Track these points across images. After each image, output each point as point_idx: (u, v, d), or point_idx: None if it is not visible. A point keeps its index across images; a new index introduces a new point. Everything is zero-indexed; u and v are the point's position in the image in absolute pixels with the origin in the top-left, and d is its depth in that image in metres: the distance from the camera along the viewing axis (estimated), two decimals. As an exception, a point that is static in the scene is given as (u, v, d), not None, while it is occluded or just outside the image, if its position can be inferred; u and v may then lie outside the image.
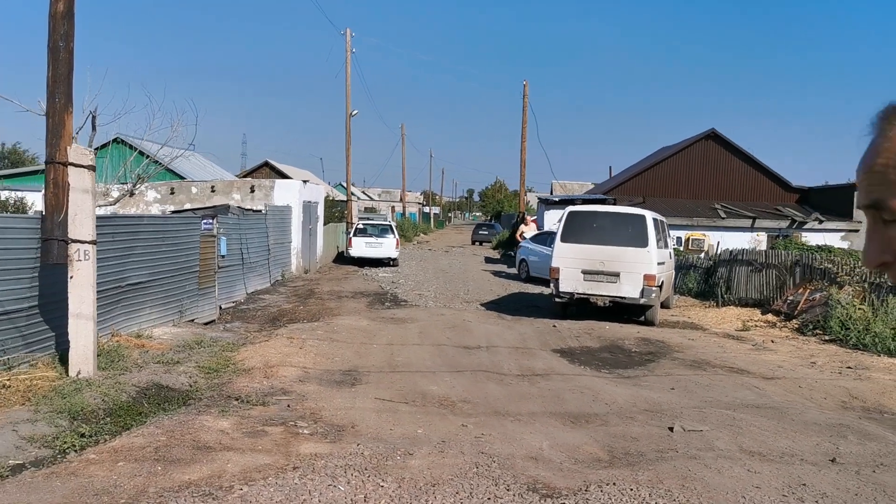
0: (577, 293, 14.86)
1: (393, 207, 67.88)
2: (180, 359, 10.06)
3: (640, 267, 14.48)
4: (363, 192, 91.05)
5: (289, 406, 7.66)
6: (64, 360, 9.17)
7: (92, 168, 8.85)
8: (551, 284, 15.35)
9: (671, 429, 6.90)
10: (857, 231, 29.52)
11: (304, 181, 25.66)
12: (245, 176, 52.21)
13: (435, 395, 8.41)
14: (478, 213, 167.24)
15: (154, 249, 12.72)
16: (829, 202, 31.90)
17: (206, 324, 14.49)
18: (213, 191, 24.69)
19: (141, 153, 23.23)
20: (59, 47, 8.70)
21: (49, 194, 8.66)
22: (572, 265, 14.87)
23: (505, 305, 17.62)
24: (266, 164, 60.29)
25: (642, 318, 15.21)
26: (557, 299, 15.20)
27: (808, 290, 15.30)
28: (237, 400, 7.84)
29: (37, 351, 9.26)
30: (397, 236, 29.66)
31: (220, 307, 16.06)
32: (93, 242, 8.82)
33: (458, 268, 29.71)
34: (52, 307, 9.45)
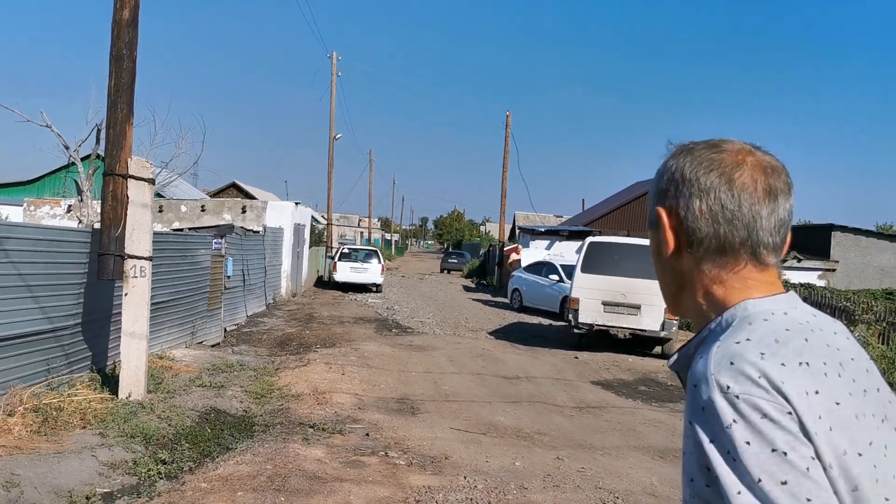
0: (597, 325, 14.80)
1: (362, 233, 67.45)
2: (221, 382, 9.68)
3: (661, 300, 14.43)
4: (322, 217, 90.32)
5: (367, 435, 7.37)
6: (106, 380, 8.75)
7: (152, 181, 8.53)
8: (569, 315, 15.27)
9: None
10: (833, 270, 30.18)
11: (296, 203, 25.28)
12: (213, 196, 51.37)
13: (505, 425, 8.19)
14: (431, 242, 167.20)
15: (175, 268, 12.30)
16: (804, 241, 32.58)
17: (212, 346, 14.05)
18: (203, 210, 24.14)
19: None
20: (122, 56, 8.37)
21: (107, 207, 8.27)
22: (592, 296, 14.82)
23: (513, 335, 17.47)
24: (233, 184, 59.41)
25: (660, 351, 15.21)
26: (576, 330, 15.11)
27: (820, 328, 15.47)
28: (312, 427, 7.52)
29: (77, 370, 8.81)
30: (382, 262, 29.37)
31: (226, 329, 15.62)
32: (149, 259, 8.47)
33: (442, 295, 29.50)
34: (94, 325, 9.04)
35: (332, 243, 35.80)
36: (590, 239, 15.59)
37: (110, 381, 8.81)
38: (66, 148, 15.83)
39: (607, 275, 14.79)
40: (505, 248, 37.11)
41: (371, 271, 28.64)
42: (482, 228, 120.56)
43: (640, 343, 15.53)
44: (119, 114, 8.34)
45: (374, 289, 28.90)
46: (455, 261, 56.39)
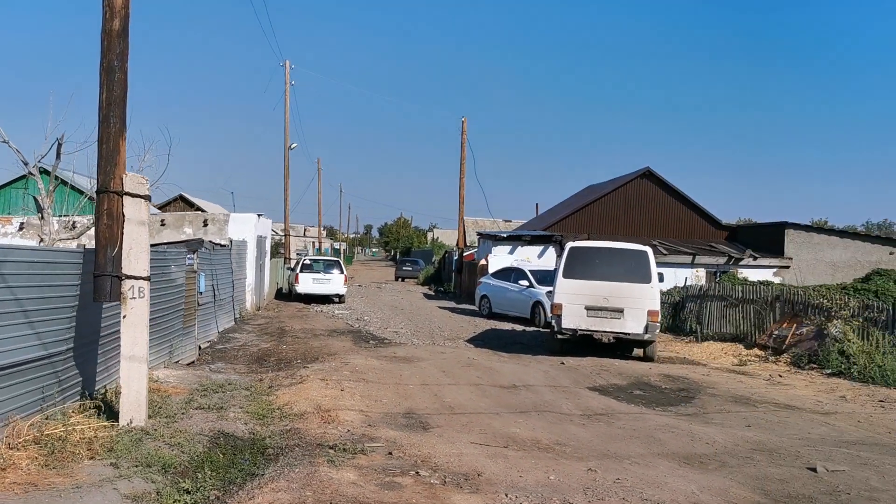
0: (581, 329, 14.82)
1: (314, 243, 66.67)
2: (218, 404, 9.35)
3: (644, 303, 14.59)
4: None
5: (391, 454, 7.16)
6: (100, 406, 8.36)
7: (148, 198, 8.18)
8: (552, 321, 15.25)
9: (813, 469, 6.83)
10: (787, 267, 30.94)
11: (259, 214, 24.79)
12: (160, 208, 50.22)
13: (523, 438, 8.08)
14: (376, 249, 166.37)
15: (154, 286, 11.84)
16: (758, 239, 33.37)
17: (188, 364, 13.64)
18: (162, 224, 23.49)
19: (73, 188, 22.01)
20: (113, 68, 8.02)
21: (102, 226, 7.90)
22: (575, 301, 14.83)
23: (491, 342, 17.39)
24: (180, 197, 58.16)
25: (641, 354, 15.30)
26: (559, 336, 15.09)
27: (795, 325, 15.79)
28: (332, 449, 7.27)
29: (69, 397, 8.41)
30: (345, 272, 29.03)
31: (199, 347, 15.18)
32: (147, 279, 8.12)
33: (407, 304, 29.29)
34: (84, 349, 8.65)
35: (290, 254, 35.25)
36: (570, 244, 15.61)
37: (104, 407, 8.42)
38: (25, 164, 15.22)
39: (589, 279, 14.83)
40: (465, 254, 37.09)
41: (334, 282, 28.29)
42: (429, 235, 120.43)
43: (619, 346, 15.61)
44: (112, 128, 7.98)
45: (337, 300, 28.55)
46: (409, 268, 56.24)
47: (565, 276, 15.04)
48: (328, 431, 8.03)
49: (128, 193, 7.98)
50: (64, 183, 18.32)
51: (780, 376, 13.42)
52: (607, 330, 14.74)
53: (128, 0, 8.17)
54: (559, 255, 15.64)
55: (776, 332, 16.23)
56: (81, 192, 19.99)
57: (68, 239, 16.69)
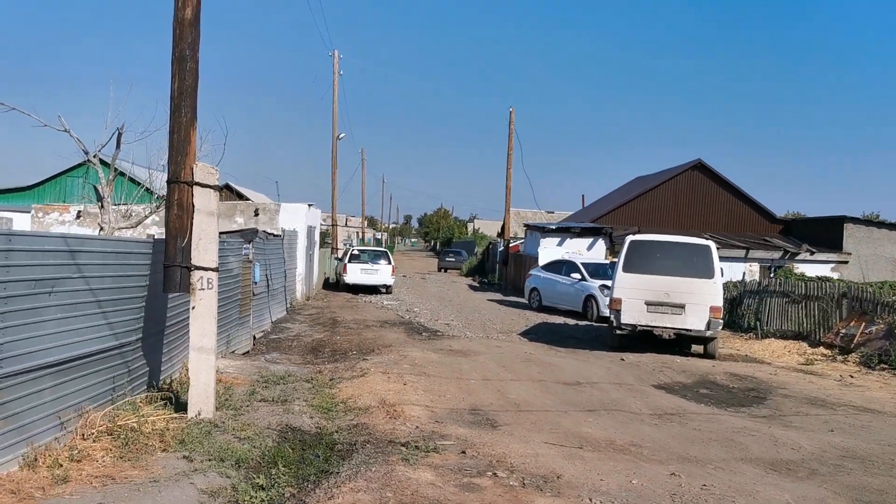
0: (640, 325, 14.49)
1: (357, 233, 66.87)
2: (282, 396, 9.27)
3: (707, 298, 14.21)
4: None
5: (464, 453, 6.99)
6: (166, 397, 8.33)
7: (217, 188, 8.09)
8: (611, 316, 14.95)
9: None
10: (846, 262, 30.10)
11: (310, 205, 24.81)
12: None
13: (596, 438, 7.84)
14: (415, 240, 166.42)
15: (214, 275, 11.82)
16: (813, 233, 32.52)
17: (243, 354, 13.65)
18: (214, 213, 23.57)
19: (130, 179, 22.16)
20: (185, 57, 7.93)
21: (172, 216, 7.83)
22: (635, 296, 14.51)
23: (544, 336, 17.14)
24: (227, 186, 58.65)
25: (702, 351, 14.93)
26: (618, 331, 14.78)
27: (863, 323, 15.26)
28: (404, 446, 7.12)
29: (137, 388, 8.39)
30: (392, 263, 28.95)
31: (254, 337, 15.20)
32: (216, 269, 8.04)
33: (454, 296, 29.14)
34: (151, 339, 8.63)
35: (337, 244, 35.32)
36: (630, 237, 15.26)
37: (172, 398, 8.40)
38: (86, 153, 15.33)
39: (650, 274, 14.49)
40: (510, 246, 36.81)
41: (381, 273, 28.23)
42: (470, 226, 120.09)
43: (678, 342, 15.26)
44: (183, 118, 7.91)
45: (385, 290, 28.50)
46: (453, 259, 56.03)
47: (625, 269, 14.72)
48: (397, 427, 7.88)
49: (197, 184, 7.91)
50: (121, 174, 18.45)
51: (852, 377, 12.96)
52: (668, 326, 14.39)
53: (199, -12, 8.08)
54: (612, 249, 15.32)
55: (843, 331, 15.70)
56: (137, 183, 20.12)
57: (126, 228, 16.81)
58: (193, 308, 7.92)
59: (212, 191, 8.01)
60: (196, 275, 7.89)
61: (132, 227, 17.07)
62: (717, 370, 12.87)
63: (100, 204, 15.67)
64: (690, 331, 14.29)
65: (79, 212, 22.61)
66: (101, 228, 15.89)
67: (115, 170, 15.89)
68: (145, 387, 8.67)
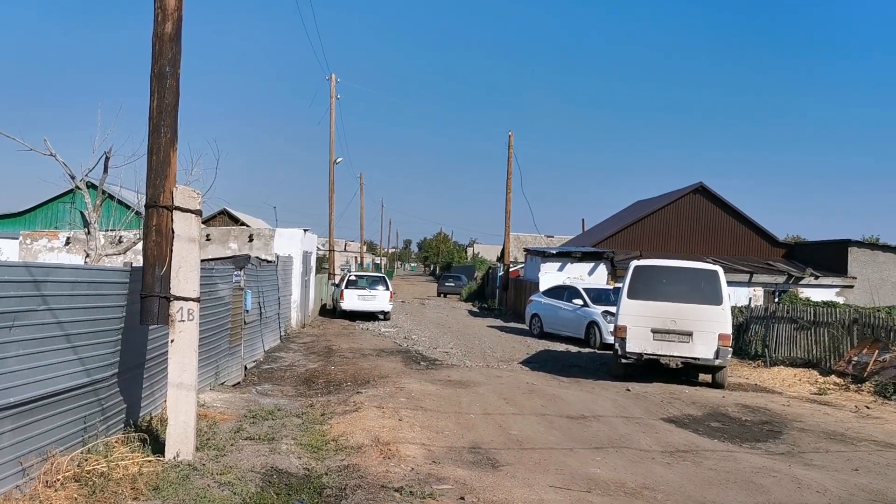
0: (647, 353, 13.94)
1: (356, 258, 66.41)
2: (269, 433, 8.71)
3: (715, 326, 13.68)
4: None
5: (463, 499, 6.43)
6: (146, 437, 7.77)
7: (199, 213, 7.60)
8: (616, 344, 14.40)
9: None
10: (851, 287, 29.58)
11: (305, 230, 24.33)
12: (204, 222, 50.28)
13: (605, 480, 7.28)
14: (415, 264, 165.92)
15: (202, 304, 11.27)
16: (817, 257, 32.04)
17: (234, 385, 13.08)
18: (208, 239, 23.13)
19: (120, 202, 21.69)
20: (165, 74, 7.48)
21: (150, 243, 7.33)
22: (640, 323, 13.98)
23: (547, 365, 16.58)
24: (224, 211, 58.37)
25: (710, 380, 14.37)
26: (623, 360, 14.23)
27: (876, 351, 14.72)
28: (398, 492, 6.56)
29: (112, 427, 7.84)
30: (390, 289, 28.41)
31: (246, 367, 14.62)
32: (197, 300, 7.52)
33: (453, 322, 28.56)
34: (128, 374, 8.09)
35: (334, 270, 34.80)
36: (635, 263, 14.75)
37: (149, 437, 7.84)
38: (72, 178, 14.88)
39: (656, 300, 13.97)
40: (510, 271, 36.31)
41: (379, 299, 27.68)
42: (469, 250, 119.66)
43: (685, 371, 14.70)
44: (162, 138, 7.44)
45: (382, 317, 27.95)
46: (452, 284, 55.47)
47: (630, 296, 14.19)
48: (391, 469, 7.32)
49: (178, 208, 7.42)
50: (111, 197, 17.97)
51: (868, 408, 12.39)
52: (675, 354, 13.84)
53: (181, 2, 7.65)
54: (614, 274, 14.81)
55: (855, 359, 15.15)
56: (128, 207, 19.65)
57: (114, 254, 16.30)
58: (172, 341, 7.40)
59: (193, 216, 7.52)
60: (175, 305, 7.38)
61: (121, 254, 16.56)
62: (728, 401, 12.31)
63: (86, 230, 15.18)
64: (699, 359, 13.74)
65: (68, 238, 22.12)
66: (88, 255, 15.38)
67: (104, 194, 15.42)
68: (122, 425, 8.12)
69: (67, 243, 22.20)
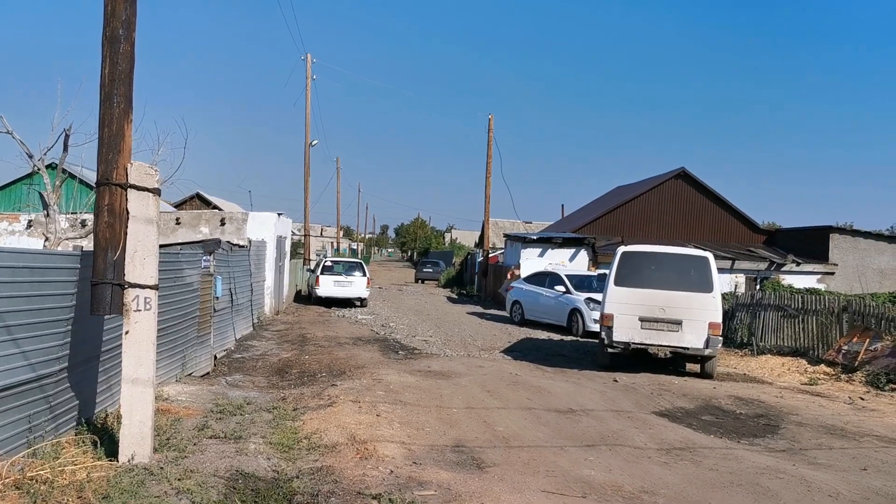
0: (634, 343, 13.43)
1: (332, 243, 65.52)
2: (236, 431, 8.07)
3: (706, 314, 13.19)
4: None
5: (447, 507, 5.84)
6: (99, 434, 7.11)
7: (157, 192, 6.89)
8: (602, 332, 13.87)
9: None
10: (832, 273, 29.35)
11: (279, 214, 23.55)
12: (176, 206, 49.26)
13: (601, 483, 6.72)
14: (392, 250, 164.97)
15: (166, 291, 10.54)
16: (798, 244, 31.79)
17: (202, 376, 12.42)
18: (177, 223, 22.30)
19: (82, 182, 20.78)
20: (118, 37, 6.75)
21: (102, 224, 6.63)
22: (628, 311, 13.46)
23: (530, 354, 16.03)
24: (197, 195, 57.23)
25: (698, 370, 13.91)
26: (610, 349, 13.71)
27: (867, 339, 14.32)
28: (375, 499, 5.95)
29: (63, 426, 7.15)
30: (367, 275, 27.73)
31: (216, 357, 13.94)
32: (155, 287, 6.83)
33: (432, 309, 27.96)
34: (80, 368, 7.40)
35: (309, 255, 34.03)
36: (622, 248, 14.20)
37: (103, 436, 7.18)
38: (30, 156, 14.06)
39: (644, 287, 13.45)
40: (490, 256, 35.75)
41: (356, 285, 27.01)
42: (447, 236, 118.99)
43: (673, 361, 14.22)
44: (115, 108, 6.72)
45: (359, 303, 27.31)
46: (430, 270, 54.80)
47: (617, 283, 13.66)
48: (367, 473, 6.70)
49: (133, 186, 6.72)
50: (72, 177, 17.10)
51: (862, 399, 11.98)
52: (664, 344, 13.34)
53: (134, -44, 6.91)
54: (595, 260, 14.27)
55: (845, 348, 14.75)
56: (91, 188, 18.80)
57: (76, 238, 15.50)
58: (127, 333, 6.72)
59: (151, 195, 6.81)
60: (130, 293, 6.69)
61: (83, 238, 15.72)
62: (720, 393, 11.83)
63: (45, 212, 14.36)
64: (688, 349, 13.25)
65: (29, 221, 21.18)
66: (48, 239, 14.56)
67: (64, 174, 14.59)
68: (74, 424, 7.44)
69: (29, 226, 21.26)
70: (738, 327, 18.54)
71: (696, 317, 13.17)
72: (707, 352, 13.19)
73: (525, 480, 6.66)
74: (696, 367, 14.12)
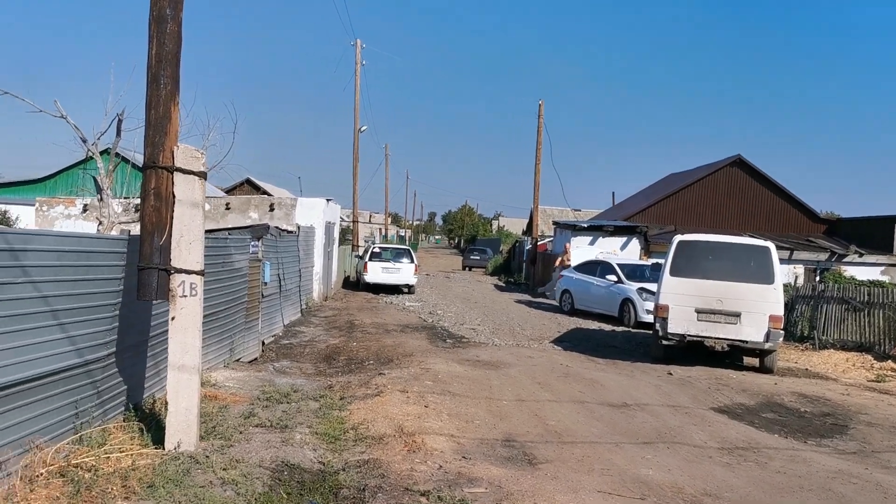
0: (690, 335, 12.97)
1: (380, 230, 65.63)
2: (282, 419, 7.93)
3: (765, 306, 12.67)
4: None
5: (499, 506, 5.58)
6: (145, 420, 7.03)
7: (203, 175, 6.74)
8: (656, 324, 13.44)
9: None
10: (897, 266, 28.26)
11: (328, 200, 23.50)
12: (227, 192, 49.77)
13: (660, 483, 6.39)
14: (439, 237, 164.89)
15: (214, 276, 10.45)
16: (861, 234, 30.67)
17: (250, 362, 12.36)
18: (227, 208, 22.39)
19: (134, 167, 20.96)
20: (165, 17, 6.59)
21: (148, 208, 6.50)
22: (684, 303, 13.01)
23: (580, 344, 15.67)
24: (247, 181, 57.77)
25: (757, 364, 13.40)
26: (664, 341, 13.28)
27: (939, 336, 13.62)
28: (423, 496, 5.73)
29: (110, 411, 7.08)
30: (415, 262, 27.56)
31: (263, 342, 13.89)
32: (200, 273, 6.69)
33: (479, 297, 27.69)
34: (128, 353, 7.32)
35: (357, 241, 34.02)
36: (678, 237, 13.73)
37: (150, 422, 7.09)
38: (84, 141, 14.13)
39: (700, 278, 12.98)
40: (538, 244, 35.33)
41: (404, 272, 26.88)
42: (495, 223, 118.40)
43: (729, 354, 13.72)
44: (162, 90, 6.57)
45: (407, 290, 27.17)
46: (478, 257, 54.46)
47: (672, 273, 13.21)
48: (416, 467, 6.48)
49: (179, 169, 6.57)
50: (125, 161, 17.20)
51: (936, 398, 11.38)
52: (721, 336, 12.86)
53: (182, -66, 6.73)
54: (647, 249, 13.81)
55: (917, 343, 14.06)
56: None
57: (128, 222, 15.61)
58: (173, 319, 6.59)
59: (197, 178, 6.66)
60: (176, 279, 6.56)
61: (135, 222, 15.80)
62: (782, 389, 11.35)
63: (99, 196, 14.47)
64: (747, 342, 12.76)
65: (85, 205, 21.47)
66: (101, 223, 14.68)
67: (117, 157, 14.66)
68: (122, 408, 7.38)
69: (84, 210, 21.56)
70: (797, 320, 17.88)
71: (755, 309, 12.67)
72: (767, 346, 12.68)
73: (579, 479, 6.37)
74: (755, 361, 13.63)
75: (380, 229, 66.01)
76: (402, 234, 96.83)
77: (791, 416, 9.62)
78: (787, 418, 9.51)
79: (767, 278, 12.78)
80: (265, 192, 53.54)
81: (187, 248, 6.60)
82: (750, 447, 7.83)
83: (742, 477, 6.72)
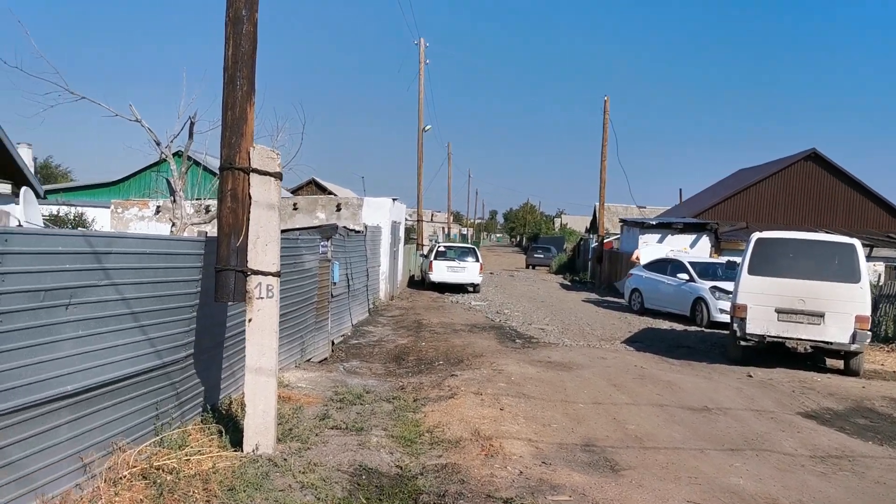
0: (770, 336, 12.50)
1: (443, 229, 65.69)
2: (357, 422, 7.86)
3: (851, 306, 12.11)
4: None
5: (585, 515, 5.38)
6: (222, 422, 7.04)
7: (279, 177, 6.71)
8: (734, 324, 12.99)
9: None
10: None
11: (394, 199, 23.53)
12: (292, 192, 50.44)
13: (752, 494, 6.09)
14: (500, 235, 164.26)
15: (286, 277, 10.45)
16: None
17: (320, 362, 12.37)
18: (295, 208, 22.62)
19: (206, 169, 21.29)
20: (241, 18, 6.58)
21: (225, 209, 6.49)
22: (763, 302, 12.54)
23: (653, 345, 15.28)
24: (313, 181, 58.44)
25: (841, 367, 12.84)
26: (742, 342, 12.82)
27: None
28: (506, 503, 5.57)
29: (188, 413, 7.11)
30: (480, 260, 27.40)
31: (333, 342, 13.92)
32: (276, 274, 6.66)
33: (546, 296, 27.38)
34: (205, 355, 7.34)
35: (422, 241, 34.03)
36: (756, 234, 13.24)
37: (227, 424, 7.10)
38: (158, 144, 14.38)
39: (781, 277, 12.49)
40: (605, 242, 34.80)
41: (469, 271, 26.74)
42: (557, 221, 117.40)
43: (811, 356, 13.17)
44: (238, 91, 6.56)
45: (472, 289, 27.03)
46: (541, 256, 53.92)
47: (751, 272, 12.74)
48: (496, 473, 6.32)
49: (255, 170, 6.55)
50: (196, 164, 17.50)
51: None
52: (804, 337, 12.35)
53: (257, -64, 6.71)
54: (718, 247, 13.34)
55: None
56: (214, 174, 19.23)
57: (200, 223, 15.84)
58: (250, 321, 6.58)
59: (273, 179, 6.64)
60: (253, 280, 6.54)
61: (207, 223, 16.06)
62: (871, 393, 10.83)
63: (172, 198, 14.71)
64: (832, 344, 12.22)
65: (158, 207, 21.95)
66: (174, 224, 14.93)
67: (189, 160, 14.90)
68: (200, 410, 7.42)
69: (158, 212, 22.04)
70: (881, 320, 17.13)
71: (840, 309, 12.13)
72: (853, 347, 12.12)
73: (666, 488, 6.12)
74: (838, 364, 13.06)
75: (442, 228, 66.07)
76: (465, 232, 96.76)
77: (884, 422, 9.14)
78: (879, 424, 9.03)
79: (853, 277, 12.22)
80: (330, 192, 54.12)
81: (263, 250, 6.58)
82: (844, 455, 7.44)
83: (839, 487, 6.37)
